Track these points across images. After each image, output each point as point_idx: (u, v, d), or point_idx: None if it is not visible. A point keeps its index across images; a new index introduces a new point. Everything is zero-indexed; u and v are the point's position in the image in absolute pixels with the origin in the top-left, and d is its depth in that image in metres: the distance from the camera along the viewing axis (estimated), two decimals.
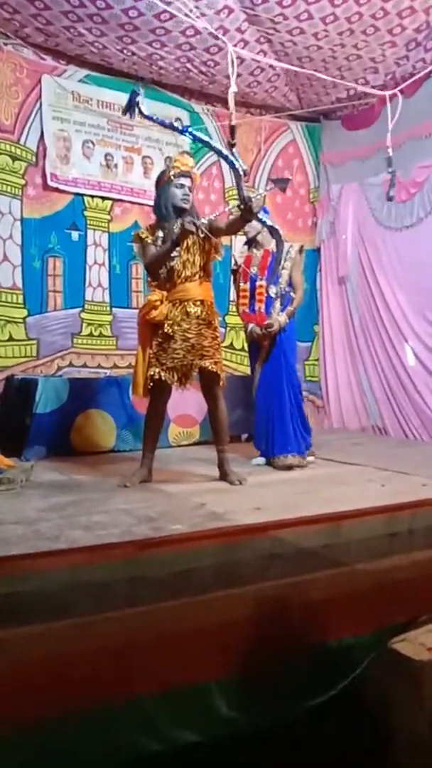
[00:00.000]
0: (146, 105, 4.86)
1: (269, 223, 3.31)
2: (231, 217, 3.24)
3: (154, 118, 2.95)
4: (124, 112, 2.83)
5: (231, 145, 3.22)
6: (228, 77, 4.88)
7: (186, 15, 3.75)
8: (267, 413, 4.02)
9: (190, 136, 2.91)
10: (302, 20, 4.32)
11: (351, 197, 5.75)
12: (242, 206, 2.97)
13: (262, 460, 4.09)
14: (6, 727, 1.63)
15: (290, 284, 4.04)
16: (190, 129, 2.92)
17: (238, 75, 4.86)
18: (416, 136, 5.03)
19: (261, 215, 3.18)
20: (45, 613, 1.82)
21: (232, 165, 2.98)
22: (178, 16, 3.86)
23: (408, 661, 1.80)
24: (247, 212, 2.98)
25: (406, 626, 2.03)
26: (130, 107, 2.77)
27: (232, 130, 3.30)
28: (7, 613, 1.81)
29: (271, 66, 4.88)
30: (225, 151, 2.95)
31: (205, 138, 2.94)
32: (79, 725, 1.72)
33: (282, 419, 3.97)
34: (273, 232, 3.40)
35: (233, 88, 3.46)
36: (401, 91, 4.92)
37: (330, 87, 5.27)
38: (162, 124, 2.98)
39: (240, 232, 3.91)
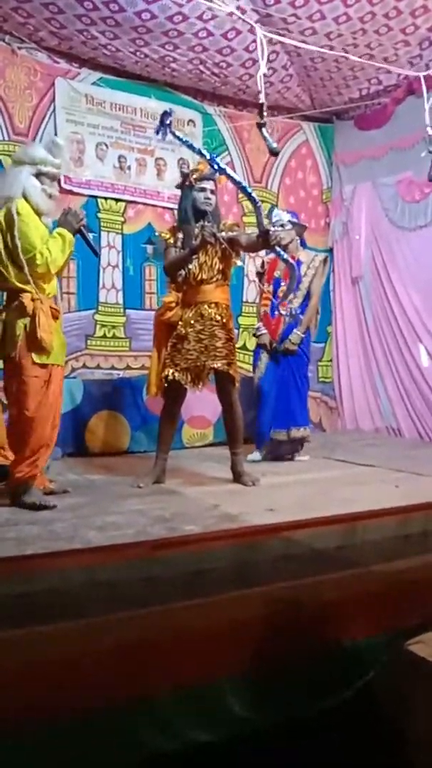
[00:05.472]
0: (157, 104, 4.99)
1: (285, 257, 3.32)
2: (247, 231, 3.28)
3: (184, 140, 3.02)
4: (156, 132, 2.93)
5: (260, 125, 3.22)
6: (240, 78, 4.96)
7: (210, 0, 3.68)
8: (284, 391, 4.12)
9: (216, 166, 2.98)
10: (315, 20, 4.30)
11: (364, 197, 5.73)
12: (260, 237, 3.05)
13: (258, 455, 4.11)
14: (20, 726, 1.64)
15: (307, 295, 4.15)
16: (217, 159, 2.99)
17: (250, 77, 4.90)
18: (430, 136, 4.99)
19: (279, 249, 3.24)
20: (59, 613, 1.84)
21: (252, 198, 3.03)
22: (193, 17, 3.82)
23: (424, 662, 1.80)
24: (264, 243, 3.07)
25: (421, 628, 2.02)
26: (162, 128, 2.83)
27: (261, 107, 3.27)
28: (22, 613, 1.82)
29: (283, 67, 4.88)
30: (245, 184, 3.02)
31: (230, 171, 3.03)
32: (93, 725, 1.73)
33: (302, 396, 4.18)
34: (289, 266, 3.40)
35: (263, 69, 3.41)
36: (412, 91, 4.91)
37: (342, 87, 5.26)
38: (191, 147, 3.05)
39: None
